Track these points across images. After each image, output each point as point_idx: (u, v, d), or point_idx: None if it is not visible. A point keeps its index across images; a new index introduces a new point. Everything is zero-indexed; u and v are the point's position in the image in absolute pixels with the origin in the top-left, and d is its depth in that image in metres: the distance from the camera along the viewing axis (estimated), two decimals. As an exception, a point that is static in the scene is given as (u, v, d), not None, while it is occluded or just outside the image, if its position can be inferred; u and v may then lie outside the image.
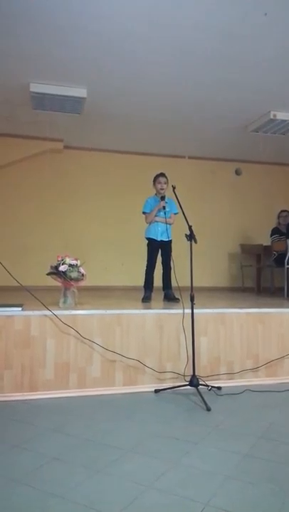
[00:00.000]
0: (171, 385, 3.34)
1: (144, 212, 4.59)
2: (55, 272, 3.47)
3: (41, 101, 4.88)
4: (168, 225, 4.44)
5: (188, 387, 3.19)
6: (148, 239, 4.57)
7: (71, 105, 4.99)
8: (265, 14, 3.38)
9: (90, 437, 2.42)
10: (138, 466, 2.09)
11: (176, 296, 4.15)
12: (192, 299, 3.28)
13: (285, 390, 3.41)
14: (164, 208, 4.40)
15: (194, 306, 3.30)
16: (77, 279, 3.48)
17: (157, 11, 3.37)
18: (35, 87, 4.60)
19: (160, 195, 4.46)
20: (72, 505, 1.72)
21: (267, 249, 6.58)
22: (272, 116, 5.29)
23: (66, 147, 6.64)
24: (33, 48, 3.92)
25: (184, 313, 3.44)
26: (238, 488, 1.89)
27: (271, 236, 6.49)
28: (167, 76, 4.43)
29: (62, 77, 4.47)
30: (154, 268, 4.55)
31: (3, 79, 4.54)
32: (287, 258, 5.61)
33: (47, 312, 3.23)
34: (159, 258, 4.56)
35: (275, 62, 4.14)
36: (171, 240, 4.48)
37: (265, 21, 3.47)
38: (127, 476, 1.97)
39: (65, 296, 3.50)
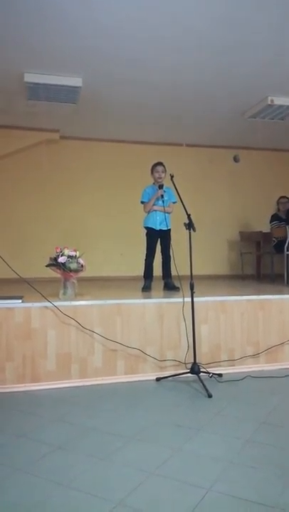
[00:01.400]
0: (172, 372, 3.37)
1: (142, 202, 4.58)
2: (54, 263, 3.47)
3: (36, 91, 4.82)
4: (166, 214, 4.43)
5: (190, 374, 3.21)
6: (147, 228, 4.56)
7: (66, 95, 4.94)
8: (261, -3, 3.33)
9: (93, 426, 2.44)
10: (141, 453, 2.11)
11: (176, 285, 4.15)
12: (192, 288, 3.29)
13: (286, 376, 3.43)
14: (162, 196, 4.39)
15: (194, 294, 3.31)
16: (76, 270, 3.48)
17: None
18: (30, 77, 4.53)
19: (158, 184, 4.45)
20: (77, 493, 1.75)
21: (266, 235, 6.56)
22: (269, 102, 5.23)
23: (62, 137, 6.59)
24: (26, 36, 3.85)
25: (184, 301, 3.45)
26: (240, 473, 1.91)
27: (271, 222, 6.47)
28: (164, 63, 4.37)
29: (57, 66, 4.41)
30: (154, 257, 4.55)
31: (-3, 69, 4.48)
32: (286, 244, 5.60)
33: (47, 304, 3.24)
34: (159, 247, 4.55)
35: (272, 48, 4.08)
36: (170, 229, 4.47)
37: (261, 6, 3.41)
38: (130, 464, 1.99)
39: (65, 287, 3.50)
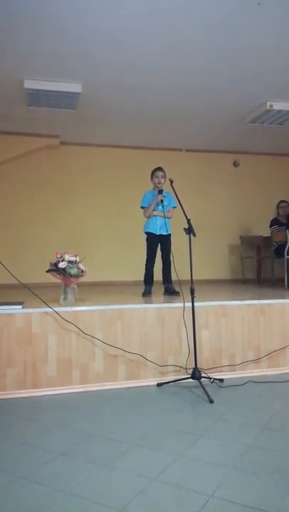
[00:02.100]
0: (173, 378, 3.36)
1: (142, 207, 4.59)
2: (54, 269, 3.47)
3: (36, 97, 4.85)
4: (166, 219, 4.44)
5: (191, 380, 3.20)
6: (147, 233, 4.57)
7: (66, 101, 4.97)
8: (259, 4, 3.35)
9: (94, 432, 2.43)
10: (143, 459, 2.10)
11: (177, 290, 4.15)
12: (192, 292, 3.29)
13: (288, 381, 3.42)
14: (161, 201, 4.40)
15: (195, 299, 3.31)
16: (76, 276, 3.48)
17: (152, 3, 3.34)
18: (30, 84, 4.56)
19: (158, 189, 4.46)
20: (79, 500, 1.74)
21: (267, 240, 6.57)
22: (268, 107, 5.26)
23: (62, 143, 6.62)
24: (26, 43, 3.88)
25: (184, 306, 3.45)
26: (242, 479, 1.90)
27: (271, 227, 6.48)
28: (163, 68, 4.40)
29: (56, 72, 4.44)
30: (154, 262, 4.55)
31: (-3, 76, 4.51)
32: (287, 249, 5.61)
33: (48, 309, 3.24)
34: (159, 252, 4.56)
35: (271, 52, 4.11)
36: (170, 234, 4.48)
37: (259, 10, 3.44)
38: (133, 470, 1.98)
39: (65, 292, 3.51)
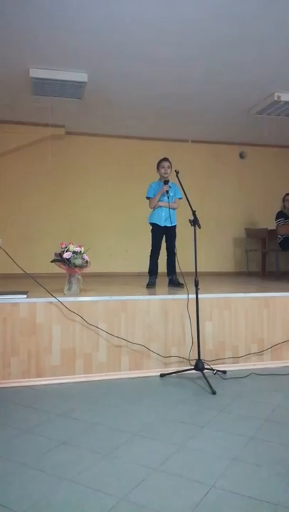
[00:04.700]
0: (176, 369, 3.37)
1: (147, 197, 4.57)
2: (59, 259, 3.47)
3: (41, 86, 4.83)
4: (171, 210, 4.41)
5: (194, 371, 3.21)
6: (152, 224, 4.55)
7: (72, 90, 4.94)
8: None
9: (97, 421, 2.45)
10: (145, 449, 2.12)
11: (181, 282, 4.15)
12: (197, 284, 3.28)
13: (290, 373, 3.43)
14: (167, 192, 4.37)
15: (199, 291, 3.30)
16: (81, 266, 3.48)
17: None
18: (35, 73, 4.54)
19: (164, 180, 4.43)
20: (81, 488, 1.76)
21: (272, 233, 6.54)
22: (276, 98, 5.20)
23: (68, 133, 6.60)
24: (31, 32, 3.85)
25: (188, 298, 3.45)
26: (243, 470, 1.91)
27: (276, 220, 6.44)
28: (170, 58, 4.36)
29: (62, 61, 4.41)
30: (159, 254, 4.54)
31: (3, 64, 4.48)
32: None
33: (52, 299, 3.25)
34: (164, 244, 4.55)
35: (278, 43, 4.05)
36: (175, 226, 4.46)
37: (265, 0, 3.38)
38: (135, 459, 1.99)
39: (69, 283, 3.51)
